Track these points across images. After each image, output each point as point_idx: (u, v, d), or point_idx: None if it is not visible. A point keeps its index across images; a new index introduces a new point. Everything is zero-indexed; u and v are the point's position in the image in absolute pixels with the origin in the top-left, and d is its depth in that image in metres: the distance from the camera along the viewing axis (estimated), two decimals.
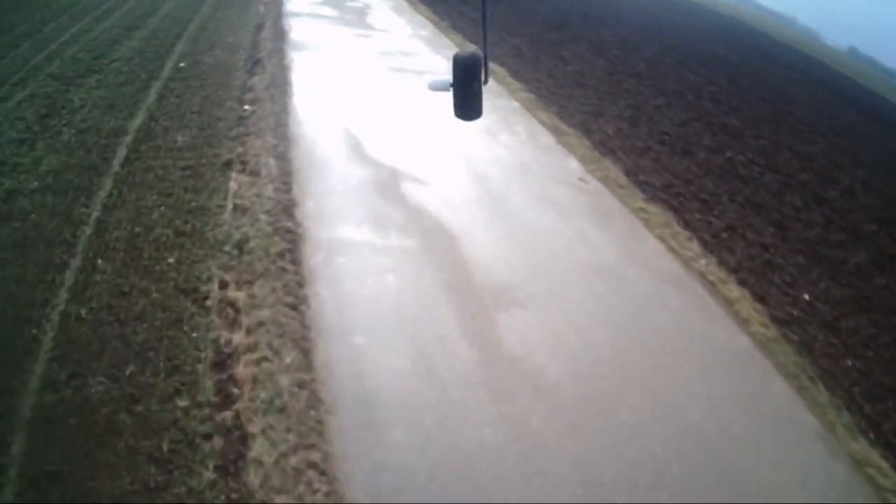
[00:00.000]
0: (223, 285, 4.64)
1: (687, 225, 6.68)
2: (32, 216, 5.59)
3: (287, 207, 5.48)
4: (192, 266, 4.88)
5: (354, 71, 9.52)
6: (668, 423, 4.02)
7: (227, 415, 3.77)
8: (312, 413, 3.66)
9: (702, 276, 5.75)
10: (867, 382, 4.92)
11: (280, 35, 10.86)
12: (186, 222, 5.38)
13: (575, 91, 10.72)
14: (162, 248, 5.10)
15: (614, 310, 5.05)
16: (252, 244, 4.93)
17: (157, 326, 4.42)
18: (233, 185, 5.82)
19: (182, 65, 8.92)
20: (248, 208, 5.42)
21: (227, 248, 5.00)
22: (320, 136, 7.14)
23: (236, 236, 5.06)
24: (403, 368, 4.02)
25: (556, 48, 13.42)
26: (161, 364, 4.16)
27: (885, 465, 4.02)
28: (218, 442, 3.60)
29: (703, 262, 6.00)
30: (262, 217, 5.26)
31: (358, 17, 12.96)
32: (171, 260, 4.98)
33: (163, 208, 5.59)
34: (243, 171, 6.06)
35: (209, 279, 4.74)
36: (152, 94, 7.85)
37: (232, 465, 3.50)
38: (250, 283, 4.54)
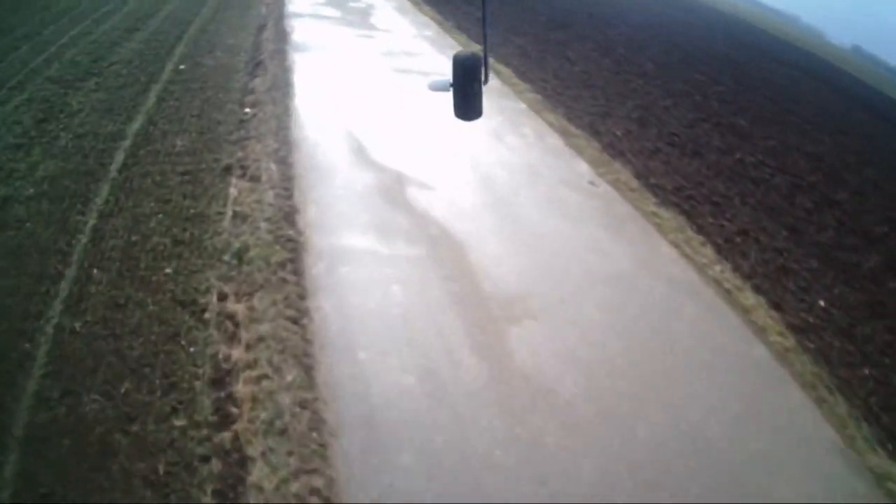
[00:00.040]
0: (222, 297, 4.45)
1: (700, 229, 6.52)
2: (27, 224, 5.43)
3: (288, 214, 5.29)
4: (190, 277, 4.71)
5: (357, 72, 9.34)
6: (685, 441, 3.85)
7: (226, 436, 3.59)
8: (315, 435, 3.47)
9: (717, 283, 5.57)
10: (884, 392, 4.74)
11: (282, 36, 10.68)
12: (185, 230, 5.20)
13: (582, 91, 10.56)
14: (159, 258, 4.92)
15: (629, 321, 4.85)
16: (252, 253, 4.74)
17: (154, 341, 4.25)
18: (232, 191, 5.64)
19: (182, 67, 8.75)
20: (248, 215, 5.24)
21: (226, 257, 4.82)
22: (323, 139, 6.96)
23: (236, 245, 4.87)
24: (410, 386, 3.82)
25: (561, 48, 13.27)
26: (157, 381, 3.99)
27: None
28: (216, 465, 3.42)
29: (717, 268, 5.83)
30: (263, 225, 5.08)
31: (361, 18, 12.78)
32: (168, 270, 4.81)
33: (160, 216, 5.41)
34: (243, 176, 5.88)
35: (207, 290, 4.56)
36: (151, 98, 7.69)
37: (231, 490, 3.31)
38: (250, 294, 4.36)
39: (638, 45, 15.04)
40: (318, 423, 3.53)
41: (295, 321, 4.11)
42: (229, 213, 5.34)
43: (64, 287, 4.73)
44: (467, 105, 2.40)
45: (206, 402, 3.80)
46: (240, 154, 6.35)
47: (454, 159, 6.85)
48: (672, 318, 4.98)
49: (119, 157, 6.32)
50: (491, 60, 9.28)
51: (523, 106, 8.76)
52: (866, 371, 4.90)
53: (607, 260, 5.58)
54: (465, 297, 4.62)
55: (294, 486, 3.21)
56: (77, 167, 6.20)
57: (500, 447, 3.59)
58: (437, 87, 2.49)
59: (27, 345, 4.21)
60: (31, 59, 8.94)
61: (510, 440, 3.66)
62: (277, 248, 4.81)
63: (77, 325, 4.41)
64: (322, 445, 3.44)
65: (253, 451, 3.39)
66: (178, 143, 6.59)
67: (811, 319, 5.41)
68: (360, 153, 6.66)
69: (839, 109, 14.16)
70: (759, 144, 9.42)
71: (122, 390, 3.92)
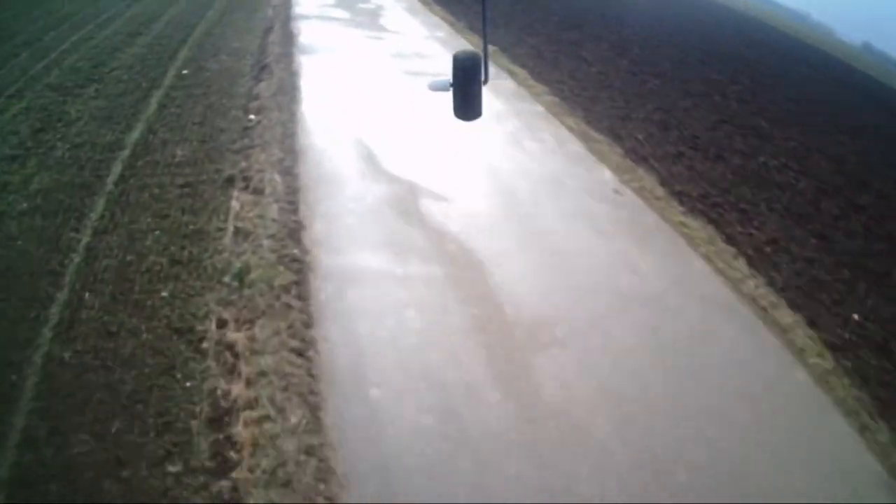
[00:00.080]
0: (221, 324, 4.08)
1: (729, 239, 6.19)
2: (19, 242, 5.13)
3: (293, 231, 4.91)
4: (188, 301, 4.34)
5: (367, 75, 8.96)
6: (728, 483, 3.49)
7: (224, 485, 3.22)
8: (322, 487, 3.09)
9: (752, 300, 5.21)
10: None
11: (289, 39, 10.34)
12: (183, 249, 4.84)
13: (600, 93, 10.21)
14: (155, 280, 4.57)
15: (663, 346, 4.44)
16: (254, 275, 4.37)
17: (147, 374, 3.89)
18: (234, 205, 5.28)
19: (185, 72, 8.43)
20: (250, 232, 4.87)
21: (226, 279, 4.46)
22: (331, 147, 6.58)
23: (237, 266, 4.51)
24: (428, 428, 3.42)
25: (576, 48, 12.93)
26: (151, 420, 3.63)
27: None
28: None
29: (752, 283, 5.47)
30: (266, 243, 4.70)
31: (370, 19, 12.42)
32: (164, 293, 4.45)
33: (157, 232, 5.06)
34: (246, 188, 5.52)
35: (206, 317, 4.19)
36: (152, 105, 7.37)
37: None
38: (251, 322, 3.98)
39: (653, 44, 14.83)
40: (325, 472, 3.14)
41: (300, 353, 3.72)
42: (230, 229, 4.97)
43: (54, 312, 4.40)
44: (467, 105, 2.37)
45: (202, 446, 3.44)
46: (243, 164, 5.99)
47: (470, 167, 6.45)
48: (708, 341, 4.61)
49: (116, 169, 5.99)
50: (505, 61, 8.87)
51: (540, 109, 8.35)
52: None
53: (637, 277, 5.17)
54: (486, 323, 4.21)
55: None
56: (72, 179, 5.89)
57: (530, 498, 3.19)
58: (437, 87, 2.49)
59: (14, 376, 3.90)
60: (30, 65, 8.68)
61: (540, 490, 3.26)
62: (281, 269, 4.43)
63: (67, 354, 4.09)
64: (330, 499, 3.05)
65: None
66: (179, 152, 6.24)
67: (847, 335, 5.15)
68: (370, 162, 6.28)
69: (855, 108, 13.90)
70: (781, 146, 9.21)
71: (113, 430, 3.58)
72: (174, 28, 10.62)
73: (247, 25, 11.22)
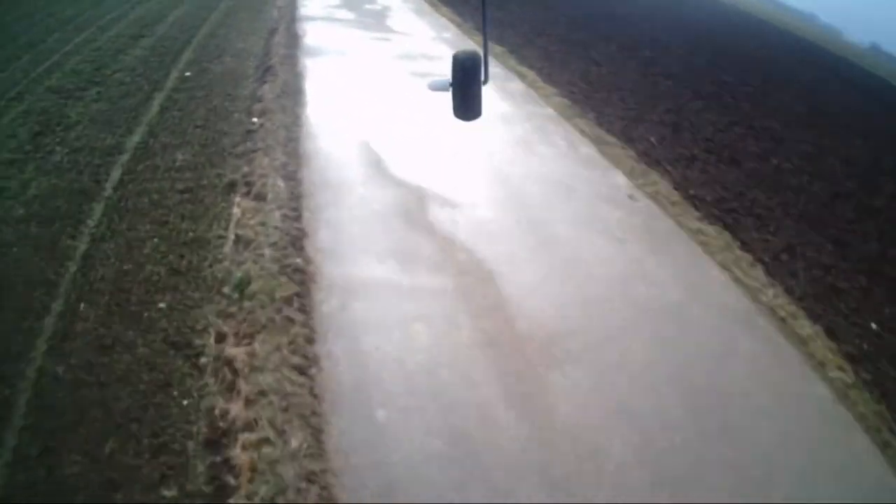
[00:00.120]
0: (220, 338, 3.90)
1: (745, 246, 6.06)
2: (14, 250, 4.95)
3: (296, 239, 4.72)
4: (186, 313, 4.16)
5: (374, 77, 8.77)
6: None
7: None
8: None
9: (771, 311, 5.05)
10: None
11: (294, 40, 10.17)
12: (182, 257, 4.66)
13: (611, 95, 10.03)
14: (152, 290, 4.38)
15: (682, 362, 4.24)
16: (254, 286, 4.18)
17: (143, 391, 3.71)
18: (236, 212, 5.09)
19: (188, 74, 8.27)
20: (251, 240, 4.68)
21: (226, 290, 4.27)
22: (336, 151, 6.38)
23: (237, 276, 4.32)
24: (437, 452, 3.22)
25: (585, 49, 12.76)
26: (146, 440, 3.45)
27: None
28: None
29: (770, 293, 5.33)
30: (267, 252, 4.51)
31: (376, 20, 12.24)
32: (161, 305, 4.27)
33: (156, 240, 4.88)
34: (248, 194, 5.33)
35: (204, 330, 4.00)
36: (154, 107, 7.20)
37: None
38: (251, 336, 3.79)
39: (662, 45, 14.77)
40: (327, 502, 2.94)
41: (302, 371, 3.52)
42: (231, 237, 4.79)
43: (49, 324, 4.23)
44: (467, 105, 2.36)
45: (199, 468, 3.26)
46: (245, 169, 5.80)
47: (480, 172, 6.25)
48: (728, 356, 4.43)
49: (115, 174, 5.82)
50: (513, 62, 8.64)
51: (551, 111, 8.13)
52: None
53: (654, 287, 4.96)
54: (497, 338, 4.00)
55: None
56: (71, 185, 5.72)
57: None
58: (437, 87, 2.47)
59: (7, 391, 3.73)
60: (32, 68, 8.53)
61: None
62: (283, 279, 4.24)
63: (61, 369, 3.92)
64: None
65: None
66: (180, 156, 6.07)
67: (865, 346, 5.05)
68: (376, 167, 6.08)
69: (864, 109, 13.80)
70: (794, 149, 9.15)
71: (107, 450, 3.41)
72: (178, 30, 10.46)
73: (251, 27, 11.06)
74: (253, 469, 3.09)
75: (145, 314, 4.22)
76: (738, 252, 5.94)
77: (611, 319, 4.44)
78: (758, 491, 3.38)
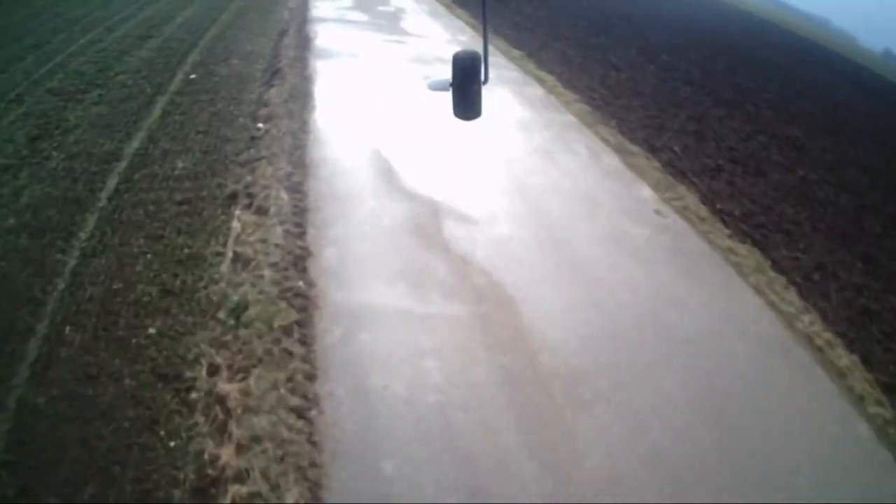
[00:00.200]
0: (212, 371, 3.54)
1: (777, 265, 5.77)
2: (2, 263, 4.65)
3: (299, 259, 4.35)
4: (177, 340, 3.81)
5: (386, 81, 8.41)
6: None
7: None
8: None
9: (807, 339, 4.73)
10: None
11: (304, 42, 9.85)
12: (175, 277, 4.32)
13: (632, 101, 9.67)
14: (142, 314, 4.04)
15: (718, 400, 3.87)
16: (252, 312, 3.81)
17: (128, 428, 3.38)
18: (235, 227, 4.74)
19: (193, 76, 7.96)
20: (250, 259, 4.32)
21: (221, 314, 3.91)
22: (345, 160, 6.02)
23: (233, 299, 3.96)
24: None
25: (604, 54, 12.42)
26: (128, 486, 3.13)
27: None
28: None
29: (806, 319, 5.02)
30: (267, 273, 4.15)
31: (390, 22, 11.90)
32: (151, 330, 3.92)
33: (149, 256, 4.55)
34: (249, 207, 4.98)
35: (196, 361, 3.65)
36: (156, 111, 6.89)
37: None
38: (246, 371, 3.42)
39: (682, 50, 14.54)
40: None
41: (300, 414, 3.15)
42: (229, 254, 4.43)
43: (33, 348, 3.92)
44: (467, 104, 2.34)
45: None
46: (248, 178, 5.46)
47: (499, 184, 5.86)
48: (765, 391, 4.08)
49: (111, 182, 5.51)
50: (532, 67, 8.20)
51: (572, 118, 7.73)
52: None
53: (686, 315, 4.56)
54: (518, 375, 3.60)
55: None
56: (64, 193, 5.42)
57: None
58: (437, 87, 2.44)
59: None
60: (35, 69, 8.28)
61: None
62: (283, 305, 3.87)
63: (42, 400, 3.61)
64: None
65: None
66: (179, 164, 5.74)
67: None
68: (387, 177, 5.70)
69: (882, 115, 13.77)
70: (818, 158, 8.95)
71: (87, 495, 3.10)
72: (186, 31, 10.18)
73: (261, 28, 10.77)
74: None
75: (133, 340, 3.88)
76: (771, 273, 5.62)
77: (641, 352, 4.04)
78: None
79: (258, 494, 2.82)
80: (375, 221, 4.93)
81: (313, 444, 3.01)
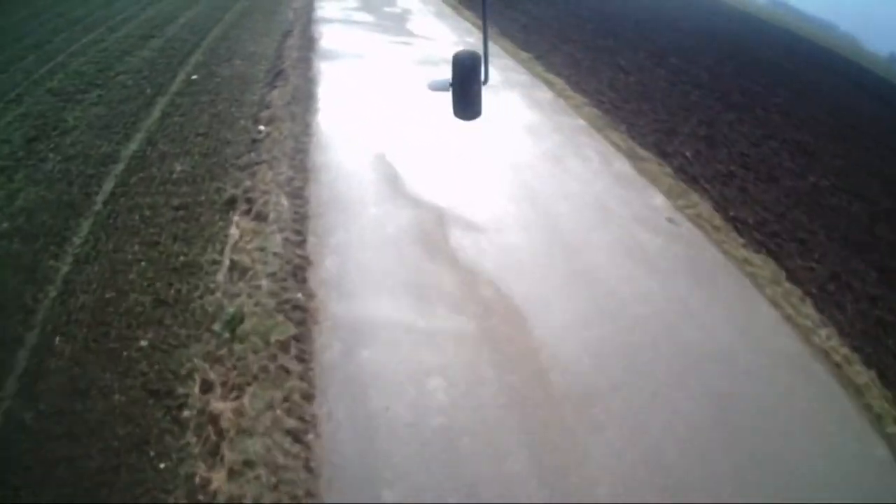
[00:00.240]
0: (206, 388, 3.36)
1: (792, 276, 5.61)
2: None
3: (298, 269, 4.17)
4: (170, 354, 3.64)
5: (392, 83, 8.23)
6: None
7: None
8: None
9: (825, 354, 4.56)
10: None
11: (308, 43, 9.69)
12: (170, 286, 4.15)
13: (642, 105, 9.48)
14: (134, 325, 3.88)
15: (736, 422, 3.68)
16: (247, 325, 3.64)
17: (117, 448, 3.23)
18: (233, 233, 4.57)
19: (194, 77, 7.80)
20: (248, 268, 4.14)
21: (216, 326, 3.74)
22: (348, 164, 5.84)
23: (229, 311, 3.78)
24: None
25: (612, 56, 12.22)
26: None
27: None
28: None
29: (823, 333, 4.85)
30: (265, 283, 3.97)
31: (396, 24, 11.73)
32: (143, 342, 3.76)
33: (143, 264, 4.38)
34: (248, 212, 4.81)
35: (189, 376, 3.48)
36: (155, 113, 6.74)
37: None
38: (240, 389, 3.25)
39: (690, 53, 14.38)
40: None
41: (296, 437, 2.97)
42: (226, 262, 4.26)
43: (21, 359, 3.80)
44: (467, 104, 2.35)
45: None
46: (247, 183, 5.29)
47: (507, 190, 5.66)
48: (783, 413, 3.90)
49: (108, 186, 5.37)
50: (540, 69, 7.98)
51: (582, 122, 7.53)
52: None
53: (702, 330, 4.37)
54: (528, 396, 3.41)
55: None
56: (59, 197, 5.28)
57: None
58: (437, 87, 2.44)
59: None
60: (35, 68, 8.17)
61: None
62: (280, 318, 3.68)
63: (29, 416, 3.47)
64: None
65: None
66: (178, 167, 5.58)
67: None
68: (392, 183, 5.52)
69: (888, 120, 13.47)
70: (829, 164, 8.79)
71: None
72: (189, 31, 10.04)
73: (265, 28, 10.62)
74: None
75: (125, 353, 3.72)
76: (787, 285, 5.45)
77: (656, 371, 3.84)
78: None
79: None
80: (379, 229, 4.74)
81: (309, 470, 2.83)
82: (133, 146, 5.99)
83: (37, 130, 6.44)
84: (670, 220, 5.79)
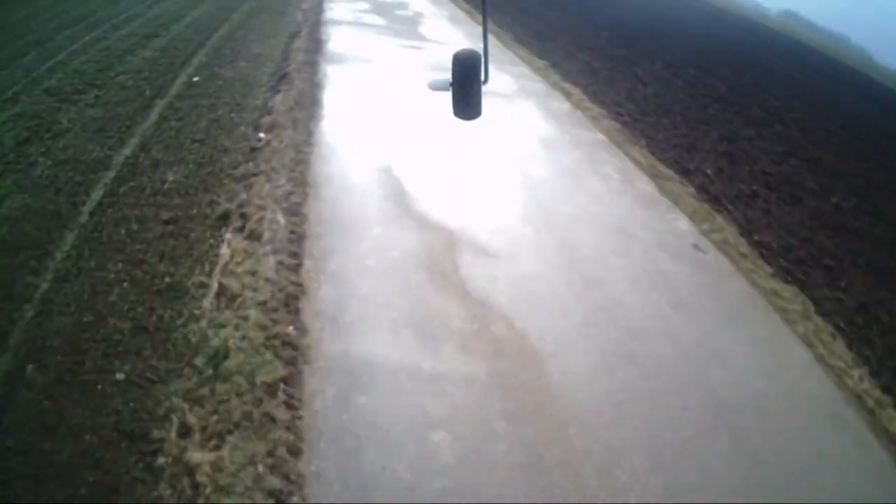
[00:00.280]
0: (183, 432, 3.02)
1: (821, 308, 5.30)
2: None
3: (291, 298, 3.81)
4: (147, 390, 3.30)
5: (401, 90, 7.86)
6: None
7: None
8: None
9: (858, 399, 4.25)
10: None
11: (315, 46, 9.37)
12: (152, 311, 3.81)
13: (661, 118, 9.13)
14: (111, 355, 3.54)
15: (770, 482, 3.31)
16: (232, 362, 3.29)
17: (83, 496, 2.90)
18: (224, 253, 4.23)
19: (196, 79, 7.50)
20: (237, 295, 3.80)
21: (198, 360, 3.39)
22: (351, 178, 5.49)
23: (213, 344, 3.44)
24: None
25: (629, 66, 11.87)
26: None
27: None
28: None
29: (856, 374, 4.55)
30: (253, 314, 3.62)
31: (408, 27, 11.39)
32: (119, 375, 3.42)
33: (126, 284, 4.05)
34: (241, 230, 4.47)
35: (166, 417, 3.13)
36: (152, 116, 6.44)
37: None
38: (221, 437, 2.90)
39: (707, 64, 14.00)
40: None
41: (279, 501, 2.60)
42: (214, 286, 3.92)
43: None
44: (467, 104, 2.41)
45: None
46: (242, 196, 4.96)
47: (522, 212, 5.27)
48: (818, 467, 3.55)
49: (96, 195, 5.06)
50: (556, 78, 7.59)
51: (601, 136, 7.15)
52: None
53: (732, 375, 4.01)
54: (544, 453, 3.03)
55: None
56: (45, 206, 4.98)
57: None
58: (437, 87, 2.54)
59: None
60: (35, 67, 7.91)
61: None
62: (268, 356, 3.33)
63: None
64: None
65: None
66: (170, 177, 5.26)
67: None
68: (398, 201, 5.15)
69: None
70: (850, 184, 8.42)
71: None
72: (194, 31, 9.76)
73: (272, 30, 10.32)
74: None
75: (99, 387, 3.39)
76: (817, 319, 5.12)
77: (684, 423, 3.47)
78: None
79: None
80: (382, 254, 4.37)
81: None
82: (126, 152, 5.68)
83: (29, 132, 6.16)
84: (696, 246, 5.41)
